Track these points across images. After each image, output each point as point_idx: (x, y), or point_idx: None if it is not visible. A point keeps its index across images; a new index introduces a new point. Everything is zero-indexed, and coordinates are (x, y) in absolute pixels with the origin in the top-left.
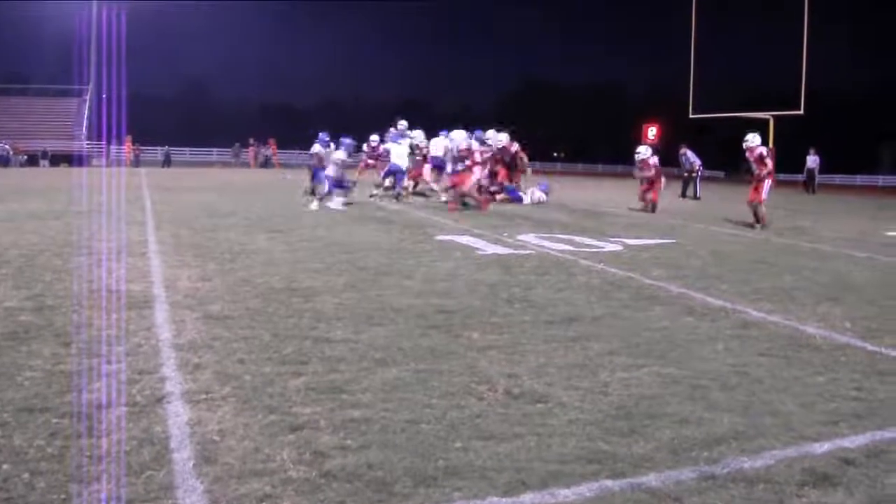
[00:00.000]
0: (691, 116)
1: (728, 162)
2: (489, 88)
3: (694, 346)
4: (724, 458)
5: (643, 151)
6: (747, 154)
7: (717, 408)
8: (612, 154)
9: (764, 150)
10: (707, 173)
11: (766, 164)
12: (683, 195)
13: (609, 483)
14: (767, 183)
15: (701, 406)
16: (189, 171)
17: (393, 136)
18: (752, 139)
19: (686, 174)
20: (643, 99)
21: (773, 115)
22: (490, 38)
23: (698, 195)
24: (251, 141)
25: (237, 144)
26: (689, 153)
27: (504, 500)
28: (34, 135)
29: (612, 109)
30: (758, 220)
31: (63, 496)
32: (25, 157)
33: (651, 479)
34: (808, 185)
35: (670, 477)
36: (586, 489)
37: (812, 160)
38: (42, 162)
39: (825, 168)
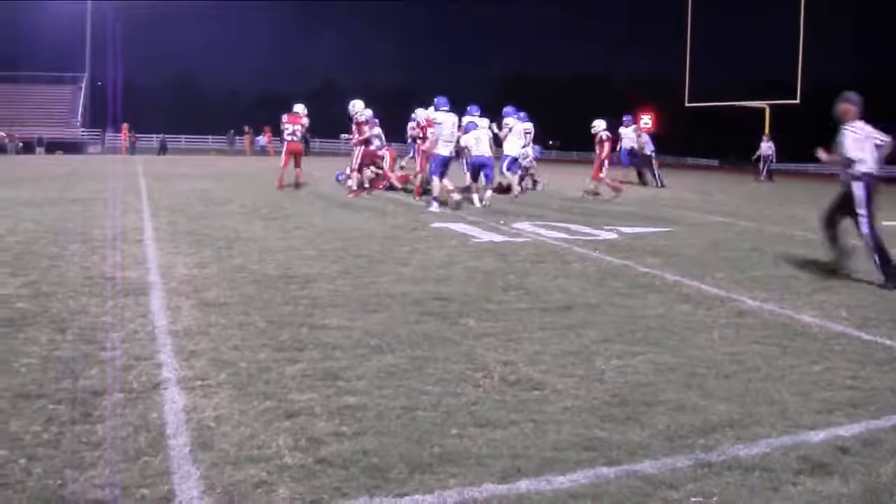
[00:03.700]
0: (687, 105)
1: (722, 151)
2: (479, 80)
3: (689, 334)
4: (720, 445)
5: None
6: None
7: (712, 396)
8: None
9: (603, 134)
10: (703, 161)
11: (603, 147)
12: (644, 182)
13: (605, 470)
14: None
15: (696, 394)
16: (185, 158)
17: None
18: (598, 125)
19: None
20: (638, 88)
21: (769, 105)
22: (481, 28)
23: (660, 183)
24: (246, 128)
25: (231, 132)
26: (645, 135)
27: (500, 486)
28: (29, 122)
29: (605, 98)
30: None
31: (59, 481)
32: (21, 144)
33: (646, 466)
34: (765, 172)
35: (666, 464)
36: (582, 476)
37: (766, 147)
38: (38, 149)
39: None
